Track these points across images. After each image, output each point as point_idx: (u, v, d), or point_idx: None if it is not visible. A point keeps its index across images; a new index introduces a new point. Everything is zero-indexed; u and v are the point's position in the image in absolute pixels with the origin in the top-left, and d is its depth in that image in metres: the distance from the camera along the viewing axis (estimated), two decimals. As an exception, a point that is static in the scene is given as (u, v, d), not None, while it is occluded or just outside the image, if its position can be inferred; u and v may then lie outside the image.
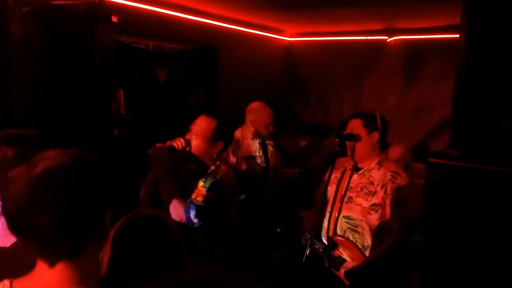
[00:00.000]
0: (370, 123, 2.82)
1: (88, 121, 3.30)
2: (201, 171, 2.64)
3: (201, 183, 2.59)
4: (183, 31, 5.08)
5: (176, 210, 2.47)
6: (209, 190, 2.57)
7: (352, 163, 2.89)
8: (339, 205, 2.83)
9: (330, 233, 2.83)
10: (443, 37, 5.62)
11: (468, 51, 1.90)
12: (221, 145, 2.70)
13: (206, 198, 2.54)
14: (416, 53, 6.02)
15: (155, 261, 1.47)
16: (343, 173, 2.92)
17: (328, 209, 2.89)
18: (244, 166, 3.66)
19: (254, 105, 3.73)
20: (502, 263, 1.70)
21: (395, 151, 3.87)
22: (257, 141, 3.74)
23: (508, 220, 1.67)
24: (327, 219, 2.88)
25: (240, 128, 3.76)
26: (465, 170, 1.76)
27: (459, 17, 1.91)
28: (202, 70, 5.62)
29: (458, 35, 1.93)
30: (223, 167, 2.69)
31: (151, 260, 1.46)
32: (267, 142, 3.80)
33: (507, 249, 1.68)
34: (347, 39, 6.61)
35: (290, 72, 7.18)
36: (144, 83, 4.84)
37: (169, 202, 2.48)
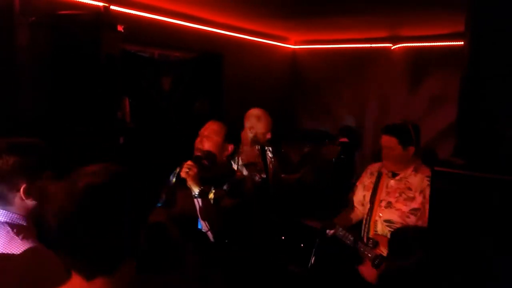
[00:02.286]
0: (404, 140, 2.86)
1: (93, 129, 3.32)
2: (214, 177, 2.66)
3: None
4: (188, 39, 5.11)
5: None
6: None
7: (387, 169, 2.99)
8: (378, 209, 2.95)
9: (370, 235, 2.95)
10: (447, 45, 5.62)
11: (472, 59, 1.90)
12: (230, 147, 2.73)
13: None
14: (420, 61, 6.02)
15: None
16: (378, 178, 3.02)
17: (367, 212, 3.01)
18: (244, 173, 3.66)
19: (253, 111, 3.72)
20: (507, 270, 1.69)
21: None
22: (256, 147, 3.73)
23: (509, 226, 1.67)
24: (366, 221, 3.00)
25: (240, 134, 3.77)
26: (469, 178, 1.76)
27: (463, 24, 1.91)
28: (207, 78, 5.64)
29: (462, 43, 1.94)
30: (239, 174, 2.75)
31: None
32: (266, 148, 3.79)
33: (509, 254, 1.68)
34: (351, 47, 6.63)
35: (295, 79, 7.20)
36: (149, 91, 4.87)
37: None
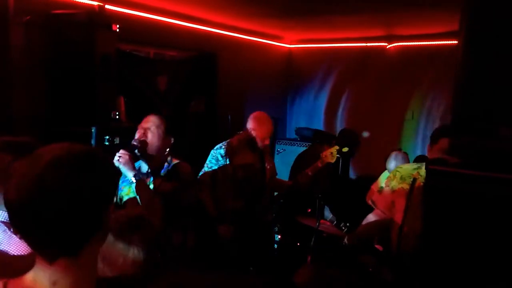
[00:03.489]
0: None
1: (89, 129, 3.31)
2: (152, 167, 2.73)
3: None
4: (183, 38, 5.10)
5: None
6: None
7: (423, 174, 2.69)
8: (415, 221, 2.60)
9: (402, 247, 2.68)
10: (442, 44, 5.64)
11: (466, 57, 1.91)
12: (170, 140, 2.83)
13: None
14: (415, 60, 6.04)
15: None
16: (412, 185, 2.74)
17: (398, 221, 2.75)
18: (240, 174, 3.66)
19: (257, 114, 3.74)
20: (501, 268, 1.70)
21: None
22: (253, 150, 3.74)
23: (506, 225, 1.68)
24: (396, 232, 2.73)
25: (237, 135, 3.77)
26: (464, 176, 1.77)
27: (458, 23, 1.92)
28: (202, 77, 5.64)
29: (456, 42, 1.95)
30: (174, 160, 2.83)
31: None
32: (264, 150, 3.81)
33: (506, 254, 1.69)
34: (346, 46, 6.64)
35: (290, 78, 7.20)
36: (144, 91, 4.86)
37: None
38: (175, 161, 2.85)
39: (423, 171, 2.73)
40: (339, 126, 6.75)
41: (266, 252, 3.69)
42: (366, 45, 6.45)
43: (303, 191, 3.67)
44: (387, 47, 6.30)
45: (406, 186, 2.77)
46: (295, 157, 5.53)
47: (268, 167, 3.80)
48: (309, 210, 3.52)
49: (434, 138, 2.75)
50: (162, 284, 1.41)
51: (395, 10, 4.53)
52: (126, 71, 4.48)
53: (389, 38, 6.24)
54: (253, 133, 3.66)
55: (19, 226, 1.03)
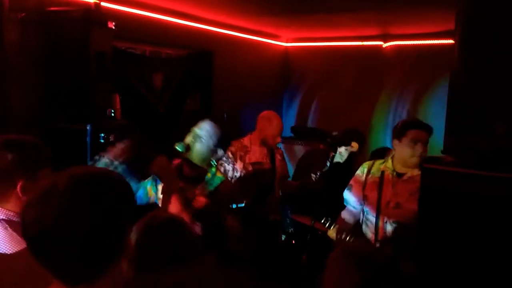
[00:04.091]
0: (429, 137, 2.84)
1: (84, 126, 3.30)
2: (196, 177, 2.66)
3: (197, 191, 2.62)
4: (179, 36, 5.09)
5: None
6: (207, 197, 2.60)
7: (397, 169, 2.90)
8: (386, 211, 2.85)
9: (379, 238, 2.86)
10: (438, 43, 5.65)
11: (462, 57, 1.92)
12: (220, 152, 2.75)
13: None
14: (411, 59, 6.05)
15: (174, 259, 1.50)
16: (382, 178, 2.92)
17: (373, 213, 2.91)
18: (250, 172, 3.69)
19: (266, 113, 3.76)
20: (496, 267, 1.71)
21: None
22: (265, 148, 3.76)
23: (500, 224, 1.68)
24: (373, 224, 2.90)
25: (249, 134, 3.79)
26: (459, 175, 1.77)
27: (454, 22, 1.93)
28: (198, 75, 5.63)
29: (452, 41, 1.95)
30: (218, 174, 2.73)
31: (170, 258, 1.49)
32: (275, 150, 3.82)
33: (501, 252, 1.69)
34: (343, 45, 6.65)
35: (287, 77, 7.20)
36: (140, 88, 4.85)
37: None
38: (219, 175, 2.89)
39: (389, 163, 2.94)
40: (335, 124, 6.76)
41: (271, 251, 3.71)
42: (363, 44, 6.46)
43: (316, 192, 3.66)
44: (383, 46, 6.31)
45: (376, 180, 2.95)
46: (290, 155, 5.52)
47: (279, 167, 3.82)
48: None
49: (401, 130, 2.87)
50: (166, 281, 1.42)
51: (392, 9, 4.53)
52: (122, 69, 4.47)
53: (385, 37, 6.25)
54: (263, 132, 3.68)
55: (40, 257, 1.03)
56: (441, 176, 1.83)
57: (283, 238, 4.34)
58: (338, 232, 2.94)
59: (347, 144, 3.56)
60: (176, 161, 2.75)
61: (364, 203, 3.02)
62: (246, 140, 3.75)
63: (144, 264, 1.46)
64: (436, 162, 1.88)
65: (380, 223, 2.87)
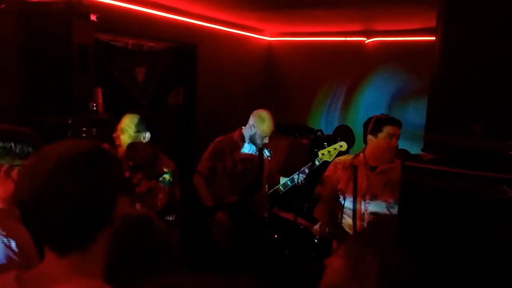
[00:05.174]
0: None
1: (65, 120, 3.27)
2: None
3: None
4: (162, 29, 5.06)
5: None
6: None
7: (370, 162, 3.05)
8: (362, 202, 2.98)
9: (358, 229, 2.97)
10: (420, 40, 5.71)
11: (442, 55, 1.95)
12: (147, 135, 2.76)
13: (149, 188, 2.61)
14: (393, 55, 6.11)
15: (146, 260, 1.49)
16: (355, 172, 3.04)
17: (349, 206, 3.03)
18: (239, 168, 3.69)
19: (260, 112, 3.75)
20: (473, 263, 1.75)
21: None
22: (254, 145, 3.78)
23: (475, 219, 1.73)
24: (351, 216, 3.02)
25: (239, 130, 3.78)
26: (438, 173, 1.81)
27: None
28: (181, 68, 5.61)
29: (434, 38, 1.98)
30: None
31: (143, 260, 1.48)
32: (264, 147, 3.83)
33: (478, 248, 1.74)
34: (326, 40, 6.68)
35: (270, 71, 7.21)
36: (123, 82, 4.81)
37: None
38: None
39: (361, 158, 3.08)
40: (318, 119, 6.81)
41: (257, 247, 3.73)
42: (346, 40, 6.50)
43: (302, 187, 3.69)
44: (366, 42, 6.36)
45: (349, 174, 3.07)
46: (272, 150, 5.53)
47: (266, 162, 3.84)
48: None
49: (377, 126, 3.01)
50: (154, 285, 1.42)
51: (374, 5, 4.57)
52: (104, 61, 4.42)
53: (368, 33, 6.29)
54: (253, 129, 3.68)
55: (31, 223, 1.08)
56: (420, 174, 1.86)
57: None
58: (322, 227, 2.99)
59: (333, 141, 3.60)
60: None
61: (340, 197, 3.12)
62: (235, 136, 3.75)
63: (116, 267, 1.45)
64: (416, 160, 1.92)
65: (358, 215, 3.00)
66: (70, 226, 1.05)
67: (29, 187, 1.05)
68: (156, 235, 1.57)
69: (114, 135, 2.75)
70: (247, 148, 3.74)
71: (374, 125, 3.02)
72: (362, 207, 2.98)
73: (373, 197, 2.97)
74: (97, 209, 1.08)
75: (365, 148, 3.11)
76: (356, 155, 3.16)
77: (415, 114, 5.73)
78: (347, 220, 3.06)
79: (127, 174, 2.42)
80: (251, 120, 3.72)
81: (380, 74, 6.32)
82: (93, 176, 1.07)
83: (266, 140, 3.74)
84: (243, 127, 3.78)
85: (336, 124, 6.43)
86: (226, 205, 3.59)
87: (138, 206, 2.55)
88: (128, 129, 2.72)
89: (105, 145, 2.61)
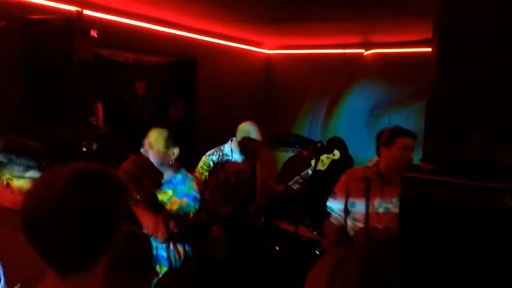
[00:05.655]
0: None
1: (66, 135, 3.28)
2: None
3: (170, 192, 2.63)
4: (162, 44, 5.09)
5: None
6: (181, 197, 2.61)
7: (386, 175, 2.95)
8: (375, 216, 2.88)
9: (369, 244, 2.86)
10: (418, 51, 5.74)
11: (439, 66, 1.96)
12: (176, 151, 2.73)
13: (180, 205, 2.58)
14: (392, 66, 6.13)
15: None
16: (368, 184, 2.94)
17: (362, 220, 2.93)
18: (232, 180, 3.69)
19: (245, 126, 3.75)
20: (474, 273, 1.75)
21: None
22: (246, 157, 3.78)
23: (475, 230, 1.72)
24: (363, 231, 2.90)
25: (230, 142, 3.79)
26: (437, 183, 1.81)
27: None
28: (181, 82, 5.64)
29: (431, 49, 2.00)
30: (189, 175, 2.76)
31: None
32: (256, 156, 3.84)
33: (478, 259, 1.73)
34: (325, 53, 6.71)
35: (269, 84, 7.24)
36: (123, 96, 4.83)
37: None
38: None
39: (375, 170, 3.00)
40: (319, 132, 6.82)
41: (253, 258, 3.71)
42: (344, 52, 6.53)
43: (297, 197, 3.68)
44: (364, 54, 6.39)
45: (362, 186, 2.95)
46: (274, 163, 5.55)
47: (259, 173, 3.84)
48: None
49: (390, 138, 2.93)
50: None
51: (372, 18, 4.60)
52: (105, 76, 4.44)
53: (367, 45, 6.33)
54: (241, 145, 3.69)
55: (35, 243, 1.09)
56: (420, 184, 1.86)
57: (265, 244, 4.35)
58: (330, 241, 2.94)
59: (329, 152, 3.59)
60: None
61: (351, 210, 3.03)
62: (226, 148, 3.76)
63: None
64: (415, 170, 1.92)
65: (370, 229, 2.89)
66: (73, 249, 1.07)
67: (35, 207, 1.06)
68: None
69: (142, 150, 2.70)
70: (240, 159, 3.74)
71: (387, 136, 2.94)
72: (375, 221, 2.88)
73: (386, 211, 2.88)
74: (101, 233, 1.10)
75: (378, 160, 3.03)
76: (369, 168, 3.08)
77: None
78: (359, 234, 2.95)
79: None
80: (238, 136, 3.73)
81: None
82: (100, 201, 1.10)
83: (257, 152, 3.75)
84: (233, 139, 3.78)
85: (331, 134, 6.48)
86: (220, 217, 3.57)
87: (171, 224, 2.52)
88: (157, 144, 2.69)
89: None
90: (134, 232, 1.67)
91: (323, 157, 3.54)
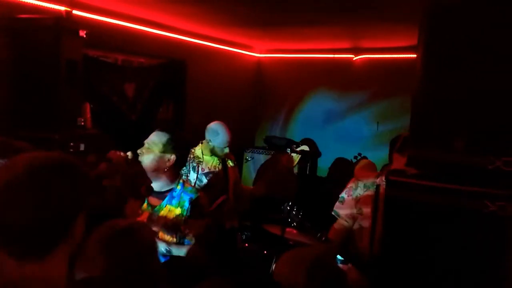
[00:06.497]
0: None
1: (53, 135, 3.26)
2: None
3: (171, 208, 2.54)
4: (152, 45, 5.09)
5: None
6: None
7: (383, 179, 2.83)
8: (380, 224, 2.77)
9: (375, 251, 2.79)
10: (406, 57, 5.79)
11: (424, 72, 1.99)
12: (172, 158, 2.51)
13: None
14: (380, 71, 6.19)
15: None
16: (377, 192, 2.88)
17: (367, 227, 2.87)
18: (204, 182, 3.69)
19: (213, 125, 3.76)
20: (456, 275, 1.77)
21: None
22: (216, 157, 3.78)
23: (457, 233, 1.75)
24: (369, 239, 2.85)
25: (200, 144, 3.79)
26: (421, 187, 1.83)
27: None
28: (170, 84, 5.63)
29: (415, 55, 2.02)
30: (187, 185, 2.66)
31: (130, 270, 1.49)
32: (227, 158, 3.84)
33: (460, 261, 1.76)
34: (315, 57, 6.75)
35: (259, 87, 7.26)
36: (112, 97, 4.82)
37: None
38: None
39: (385, 177, 2.87)
40: (306, 134, 6.85)
41: (229, 259, 3.70)
42: (334, 57, 6.58)
43: (261, 196, 3.70)
44: (354, 59, 6.44)
45: (371, 193, 2.89)
46: (260, 165, 5.59)
47: (231, 174, 3.84)
48: None
49: (403, 145, 2.83)
50: None
51: (361, 24, 4.65)
52: (93, 77, 4.43)
53: (356, 51, 6.38)
54: (211, 144, 3.69)
55: None
56: (404, 188, 1.89)
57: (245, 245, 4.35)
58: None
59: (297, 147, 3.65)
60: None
61: (358, 217, 2.96)
62: (197, 150, 3.76)
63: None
64: (400, 174, 1.94)
65: (376, 237, 2.82)
66: (26, 236, 1.06)
67: None
68: (140, 245, 1.57)
69: (139, 151, 2.49)
70: (211, 161, 3.74)
71: (403, 143, 2.84)
72: (380, 229, 2.76)
73: None
74: (55, 222, 1.09)
75: (390, 166, 2.95)
76: (379, 174, 2.99)
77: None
78: (364, 241, 2.89)
79: None
80: (206, 135, 3.74)
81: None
82: (53, 189, 1.08)
83: (226, 150, 3.75)
84: (202, 142, 3.78)
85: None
86: None
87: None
88: (154, 148, 2.47)
89: (91, 159, 2.57)
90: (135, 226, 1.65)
91: (294, 155, 3.59)
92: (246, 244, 4.47)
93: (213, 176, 3.72)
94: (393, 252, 1.95)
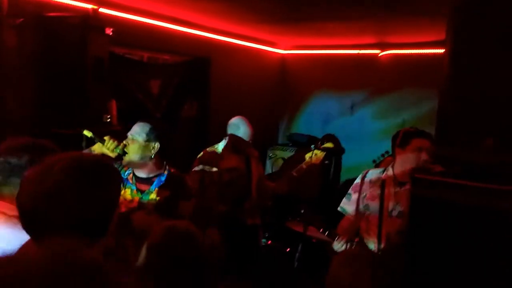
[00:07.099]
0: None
1: (80, 131, 3.31)
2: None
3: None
4: (177, 43, 5.12)
5: None
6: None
7: (400, 178, 2.89)
8: (389, 220, 2.83)
9: (382, 247, 2.83)
10: (433, 52, 5.69)
11: (451, 68, 1.94)
12: (156, 146, 2.65)
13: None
14: (406, 67, 6.09)
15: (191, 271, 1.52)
16: (382, 188, 2.91)
17: (375, 223, 2.88)
18: (226, 178, 3.68)
19: (234, 120, 3.76)
20: (484, 278, 1.73)
21: None
22: (239, 153, 3.77)
23: (486, 233, 1.71)
24: (376, 234, 2.87)
25: (223, 140, 3.80)
26: (448, 185, 1.79)
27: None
28: (195, 81, 5.66)
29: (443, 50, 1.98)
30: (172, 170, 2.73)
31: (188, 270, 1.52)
32: (250, 153, 3.83)
33: (489, 263, 1.71)
34: (339, 53, 6.69)
35: (283, 84, 7.24)
36: (137, 94, 4.87)
37: None
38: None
39: (390, 172, 2.93)
40: (331, 132, 6.80)
41: (251, 256, 3.70)
42: (359, 52, 6.50)
43: (285, 194, 3.69)
44: (379, 54, 6.35)
45: (377, 189, 2.92)
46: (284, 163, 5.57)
47: (255, 171, 3.82)
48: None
49: (405, 139, 2.87)
50: None
51: (387, 19, 4.58)
52: (119, 74, 4.48)
53: (382, 46, 6.30)
54: (232, 139, 3.69)
55: (32, 230, 1.12)
56: (430, 186, 1.85)
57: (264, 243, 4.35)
58: (344, 244, 2.89)
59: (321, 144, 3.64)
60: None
61: (365, 212, 2.98)
62: (220, 147, 3.76)
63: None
64: (425, 172, 1.90)
65: (383, 233, 2.84)
66: (70, 234, 1.08)
67: (31, 197, 1.09)
68: (197, 248, 1.61)
69: (124, 142, 2.65)
70: (233, 158, 3.74)
71: (402, 138, 2.88)
72: (388, 224, 2.82)
73: (400, 215, 2.80)
74: (95, 221, 1.12)
75: (394, 162, 2.98)
76: (385, 170, 3.01)
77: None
78: (372, 237, 2.91)
79: None
80: (228, 130, 3.73)
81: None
82: (94, 190, 1.12)
83: (248, 144, 3.75)
84: (226, 137, 3.79)
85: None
86: (217, 216, 3.56)
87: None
88: (138, 138, 2.61)
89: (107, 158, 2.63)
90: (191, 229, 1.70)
91: (317, 151, 3.57)
92: (269, 242, 4.49)
93: (235, 173, 3.72)
94: (418, 254, 1.91)
